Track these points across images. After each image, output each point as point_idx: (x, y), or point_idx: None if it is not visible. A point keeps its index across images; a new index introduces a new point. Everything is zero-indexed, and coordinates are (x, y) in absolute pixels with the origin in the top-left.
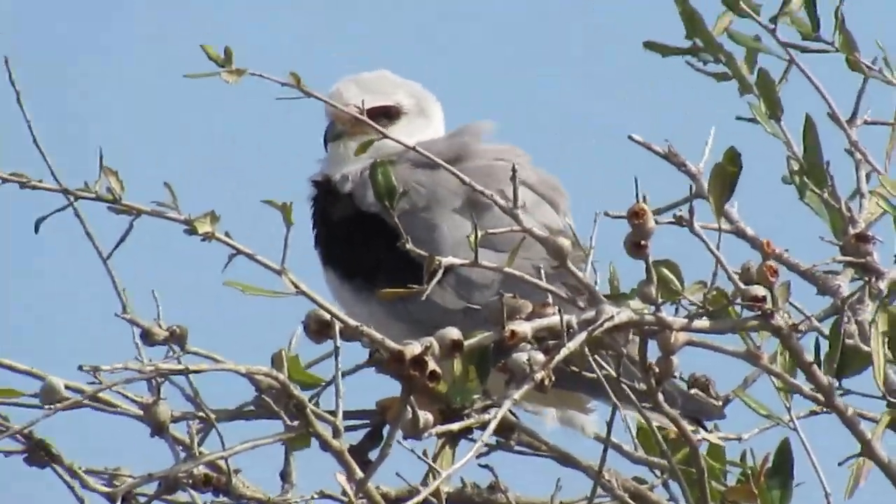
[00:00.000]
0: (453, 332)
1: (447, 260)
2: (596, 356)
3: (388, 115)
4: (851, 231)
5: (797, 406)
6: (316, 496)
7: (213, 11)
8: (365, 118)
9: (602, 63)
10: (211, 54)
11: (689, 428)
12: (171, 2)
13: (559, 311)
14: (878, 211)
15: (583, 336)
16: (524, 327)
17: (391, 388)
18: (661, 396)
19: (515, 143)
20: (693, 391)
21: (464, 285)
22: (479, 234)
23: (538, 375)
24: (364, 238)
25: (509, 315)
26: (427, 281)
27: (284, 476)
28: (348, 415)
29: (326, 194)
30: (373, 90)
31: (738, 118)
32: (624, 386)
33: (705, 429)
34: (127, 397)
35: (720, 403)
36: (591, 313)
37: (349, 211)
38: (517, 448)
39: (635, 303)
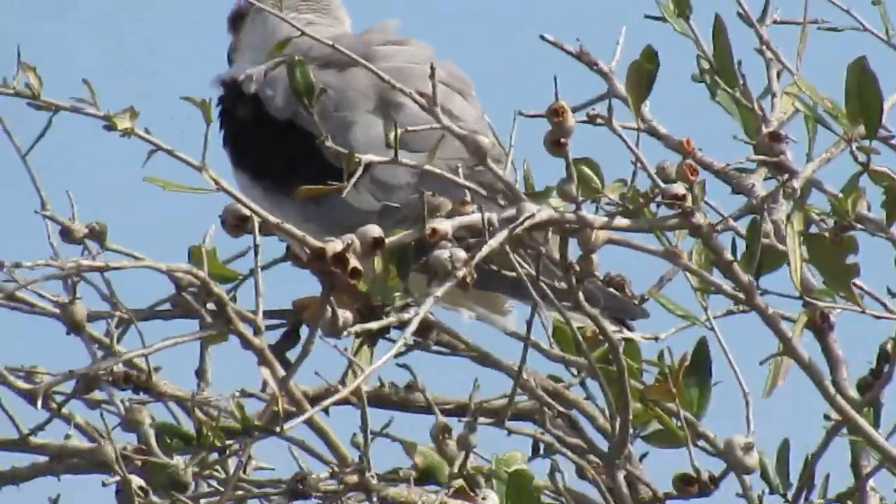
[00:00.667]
0: (374, 230)
1: (367, 157)
2: (516, 255)
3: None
4: (765, 130)
5: (713, 306)
6: (237, 394)
7: None
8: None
9: None
10: None
11: (609, 326)
12: None
13: (480, 208)
14: (790, 110)
15: (504, 234)
16: (445, 225)
17: (308, 286)
18: (581, 295)
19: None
20: (609, 290)
21: (379, 186)
22: (399, 131)
23: (460, 272)
24: (273, 141)
25: (429, 213)
26: (346, 179)
27: (200, 374)
28: (266, 315)
29: (232, 95)
30: None
31: (647, 17)
32: (543, 285)
33: (629, 328)
34: (43, 297)
35: (637, 302)
36: (511, 211)
37: (256, 113)
38: (435, 348)
39: (556, 201)
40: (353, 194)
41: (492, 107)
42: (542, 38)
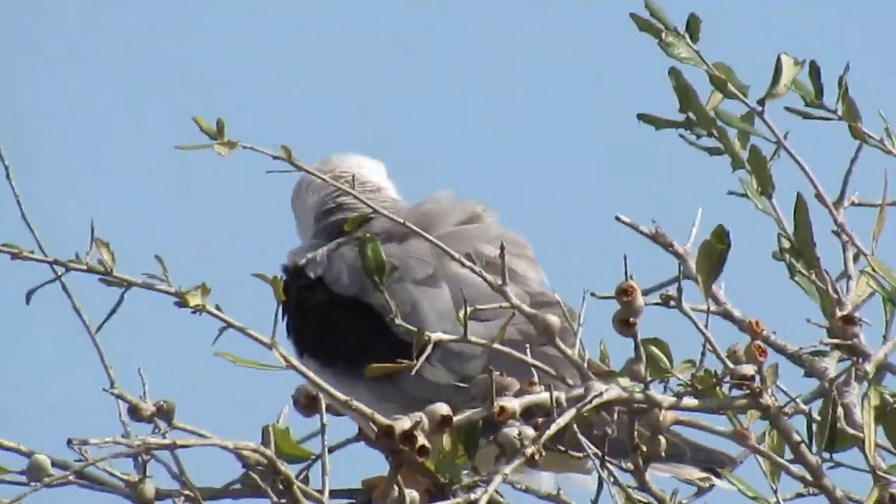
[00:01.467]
0: (443, 408)
1: (436, 335)
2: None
3: None
4: (839, 313)
5: (784, 488)
6: None
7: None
8: (355, 192)
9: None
10: (203, 126)
11: None
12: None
13: (549, 387)
14: (865, 293)
15: (572, 412)
16: (513, 403)
17: (378, 465)
18: (647, 476)
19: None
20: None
21: (451, 358)
22: (469, 309)
23: (528, 450)
24: (341, 322)
25: (497, 392)
26: (416, 356)
27: None
28: (335, 493)
29: (295, 280)
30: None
31: (730, 193)
32: (609, 467)
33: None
34: (113, 474)
35: (707, 485)
36: (579, 390)
37: (322, 295)
38: None
39: (624, 380)
40: (426, 367)
41: (565, 287)
42: (618, 219)
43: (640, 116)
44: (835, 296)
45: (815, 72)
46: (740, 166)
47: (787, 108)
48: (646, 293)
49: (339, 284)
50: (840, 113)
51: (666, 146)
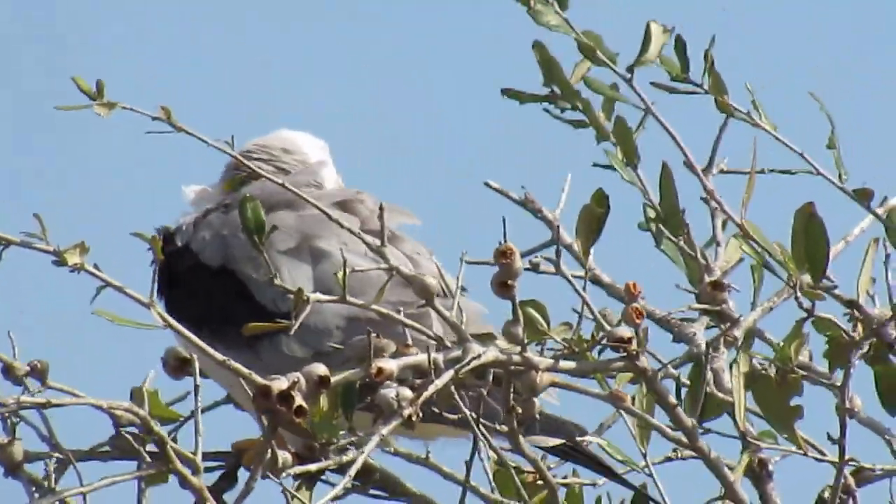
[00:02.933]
0: (320, 368)
1: (315, 296)
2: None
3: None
4: (707, 279)
5: (653, 452)
6: None
7: None
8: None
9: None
10: (83, 87)
11: (548, 472)
12: None
13: (427, 349)
14: (734, 259)
15: (450, 374)
16: (391, 364)
17: (246, 429)
18: (521, 439)
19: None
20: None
21: (307, 333)
22: (348, 271)
23: (406, 411)
24: (207, 289)
25: (375, 354)
26: (294, 317)
27: None
28: (205, 456)
29: (166, 246)
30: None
31: (595, 165)
32: (483, 429)
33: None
34: None
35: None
36: (457, 351)
37: (188, 261)
38: (372, 492)
39: (501, 342)
40: (281, 339)
41: (439, 248)
42: (487, 184)
43: (504, 91)
44: (703, 262)
45: (680, 46)
46: (605, 138)
47: (653, 83)
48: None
49: (205, 252)
50: (706, 86)
51: (532, 120)
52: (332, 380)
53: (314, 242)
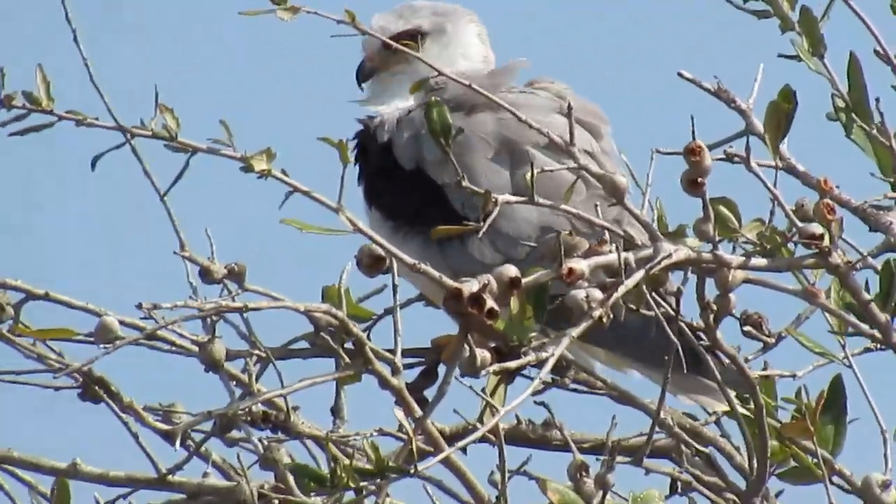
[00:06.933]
0: (511, 270)
1: (503, 197)
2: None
3: (411, 39)
4: None
5: (851, 344)
6: (374, 433)
7: None
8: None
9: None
10: None
11: (746, 365)
12: None
13: (616, 248)
14: None
15: (641, 274)
16: (581, 265)
17: (445, 325)
18: (718, 334)
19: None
20: (746, 328)
21: (500, 238)
22: (535, 172)
23: (596, 312)
24: (401, 187)
25: (566, 253)
26: (483, 219)
27: (335, 412)
28: (403, 353)
29: (367, 138)
30: (397, 17)
31: (781, 55)
32: (681, 323)
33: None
34: (182, 336)
35: (773, 340)
36: (648, 251)
37: (387, 161)
38: (572, 386)
39: (692, 240)
40: (475, 244)
41: (627, 145)
42: (680, 74)
43: None
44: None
45: None
46: (790, 28)
47: None
48: (710, 148)
49: (404, 158)
50: None
51: (714, 12)
52: (523, 281)
53: (513, 146)
